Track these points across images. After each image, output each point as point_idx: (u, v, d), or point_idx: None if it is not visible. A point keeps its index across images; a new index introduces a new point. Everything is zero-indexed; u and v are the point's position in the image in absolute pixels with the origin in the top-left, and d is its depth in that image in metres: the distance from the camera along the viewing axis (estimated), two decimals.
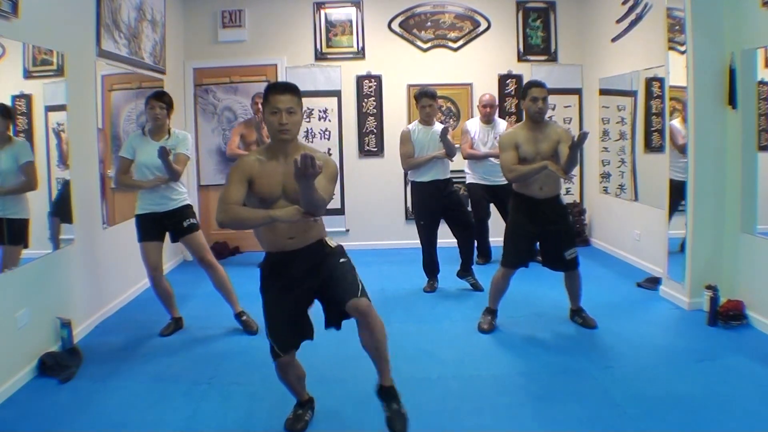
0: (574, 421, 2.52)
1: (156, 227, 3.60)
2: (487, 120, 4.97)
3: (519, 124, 3.62)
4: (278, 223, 2.23)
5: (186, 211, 3.65)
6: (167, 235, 3.69)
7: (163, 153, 3.35)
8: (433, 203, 4.42)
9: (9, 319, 2.90)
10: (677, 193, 4.04)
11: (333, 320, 2.38)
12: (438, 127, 4.40)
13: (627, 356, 3.20)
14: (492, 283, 3.66)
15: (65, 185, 3.57)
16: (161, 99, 3.58)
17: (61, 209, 3.54)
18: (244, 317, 3.74)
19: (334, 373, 2.99)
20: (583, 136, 3.18)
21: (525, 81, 5.98)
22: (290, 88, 2.27)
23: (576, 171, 6.17)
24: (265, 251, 2.42)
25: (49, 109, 3.44)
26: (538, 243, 3.60)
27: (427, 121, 4.40)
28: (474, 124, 5.07)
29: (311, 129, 6.02)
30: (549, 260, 3.61)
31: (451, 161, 4.47)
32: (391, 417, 2.36)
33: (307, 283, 2.36)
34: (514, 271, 3.60)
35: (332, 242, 2.43)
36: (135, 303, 4.39)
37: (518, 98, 3.53)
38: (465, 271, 4.60)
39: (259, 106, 5.10)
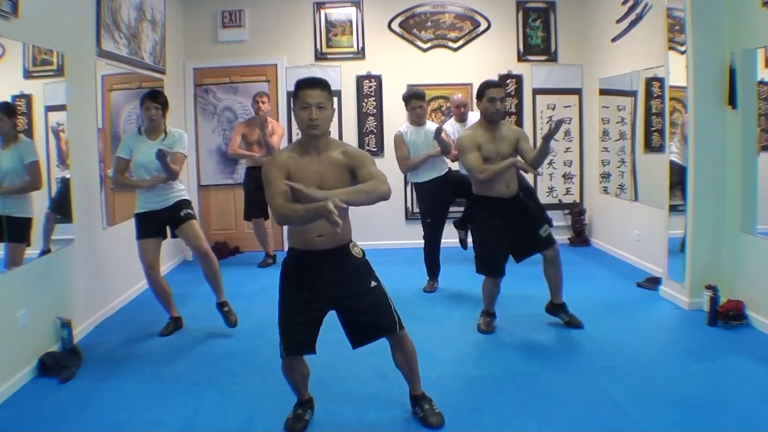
0: (574, 421, 2.52)
1: (154, 224, 3.60)
2: (461, 119, 4.96)
3: (474, 125, 3.53)
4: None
5: (183, 203, 3.65)
6: (168, 233, 3.69)
7: (161, 155, 3.35)
8: (437, 201, 4.44)
9: (9, 319, 2.90)
10: (677, 175, 4.05)
11: (359, 342, 2.43)
12: (430, 125, 4.43)
13: (627, 356, 3.20)
14: (483, 290, 3.64)
15: (65, 183, 3.56)
16: (156, 99, 3.57)
17: (60, 206, 3.54)
18: (226, 308, 3.70)
19: (334, 373, 2.98)
20: (558, 124, 3.12)
21: (525, 81, 6.03)
22: (320, 83, 2.26)
23: (576, 171, 6.18)
24: (289, 247, 2.41)
25: (49, 109, 3.44)
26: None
27: (418, 122, 4.43)
28: (449, 125, 5.02)
29: None
30: (524, 247, 3.47)
31: (447, 158, 4.49)
32: (425, 415, 2.51)
33: (329, 292, 2.34)
34: (500, 279, 3.56)
35: (357, 249, 2.41)
36: (135, 303, 4.39)
37: (478, 98, 3.47)
38: (463, 226, 5.00)
39: (260, 105, 5.11)
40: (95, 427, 2.55)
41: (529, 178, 5.31)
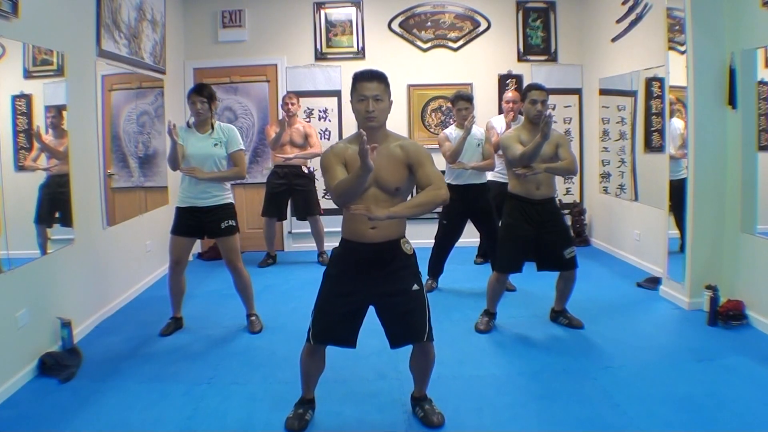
0: (574, 421, 2.52)
1: (192, 223, 3.56)
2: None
3: (518, 126, 3.60)
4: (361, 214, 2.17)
5: (226, 210, 3.60)
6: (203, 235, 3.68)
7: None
8: (459, 207, 4.35)
9: (9, 319, 2.90)
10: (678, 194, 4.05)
11: (394, 343, 2.44)
12: (476, 130, 4.38)
13: (627, 356, 3.20)
14: (487, 287, 3.66)
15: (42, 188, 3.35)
16: (201, 93, 3.53)
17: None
18: (252, 317, 3.76)
19: (334, 373, 2.97)
20: (546, 122, 3.06)
21: (525, 81, 6.02)
22: (377, 76, 2.27)
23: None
24: (341, 238, 2.41)
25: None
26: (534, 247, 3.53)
27: (463, 124, 4.36)
28: (498, 122, 4.91)
29: None
30: (547, 262, 3.55)
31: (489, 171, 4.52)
32: (426, 415, 2.52)
33: (372, 286, 2.33)
34: (507, 275, 3.63)
35: (408, 246, 2.38)
36: (135, 303, 4.39)
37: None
38: (483, 258, 5.21)
39: (289, 106, 5.14)
40: (95, 427, 2.55)
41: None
